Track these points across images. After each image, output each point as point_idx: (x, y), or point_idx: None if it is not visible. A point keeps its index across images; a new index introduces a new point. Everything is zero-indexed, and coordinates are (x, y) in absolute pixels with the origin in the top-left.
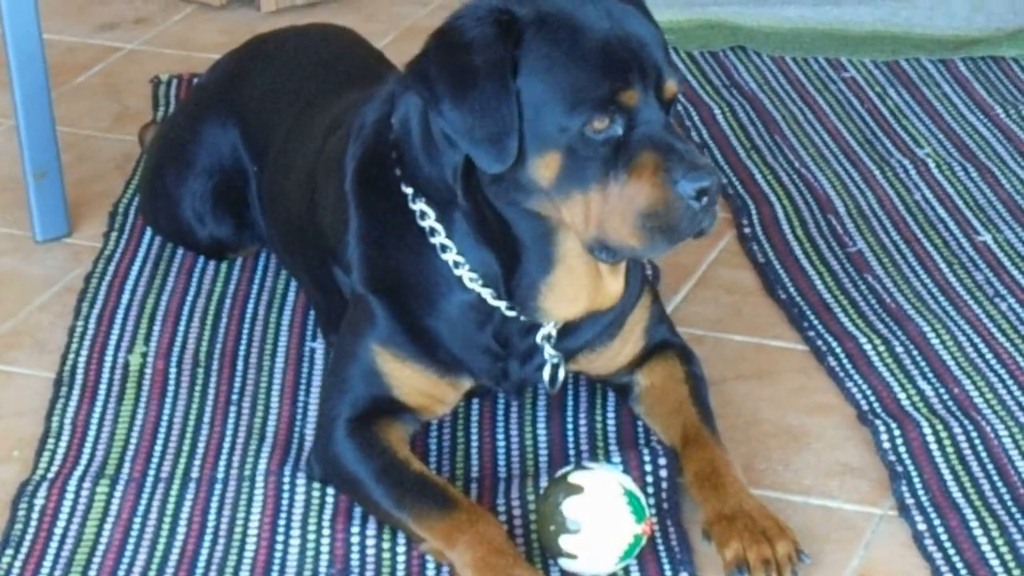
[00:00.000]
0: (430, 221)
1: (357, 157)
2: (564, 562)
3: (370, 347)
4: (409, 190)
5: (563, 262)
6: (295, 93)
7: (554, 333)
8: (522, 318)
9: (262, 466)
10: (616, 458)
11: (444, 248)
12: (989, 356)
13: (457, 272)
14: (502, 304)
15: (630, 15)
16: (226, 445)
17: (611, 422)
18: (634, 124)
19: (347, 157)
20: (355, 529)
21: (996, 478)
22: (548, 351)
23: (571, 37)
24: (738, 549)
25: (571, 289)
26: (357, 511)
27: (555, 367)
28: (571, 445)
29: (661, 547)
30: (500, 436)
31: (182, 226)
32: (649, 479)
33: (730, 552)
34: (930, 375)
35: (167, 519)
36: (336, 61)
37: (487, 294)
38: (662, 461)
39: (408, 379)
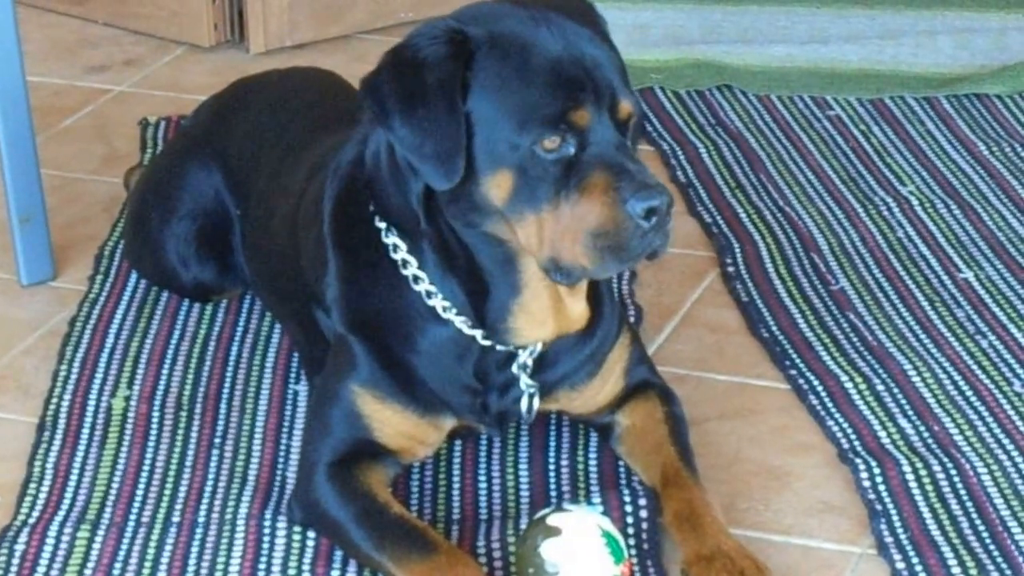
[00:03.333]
0: (402, 253)
1: (333, 198)
2: None
3: (351, 388)
4: (382, 224)
5: (528, 286)
6: (277, 136)
7: (530, 363)
8: (497, 346)
9: (243, 510)
10: (597, 498)
11: (416, 279)
12: (970, 394)
13: (431, 302)
14: (477, 333)
15: (585, 38)
16: (208, 489)
17: (592, 463)
18: (586, 144)
19: (324, 199)
20: (335, 574)
21: (975, 516)
22: (524, 380)
23: (523, 56)
24: None
25: (539, 312)
26: (338, 555)
27: (531, 397)
28: (552, 486)
29: None
30: (482, 477)
31: (166, 270)
32: (629, 520)
33: None
34: (911, 413)
35: (148, 564)
36: (318, 104)
37: (460, 322)
38: (642, 502)
39: (389, 420)
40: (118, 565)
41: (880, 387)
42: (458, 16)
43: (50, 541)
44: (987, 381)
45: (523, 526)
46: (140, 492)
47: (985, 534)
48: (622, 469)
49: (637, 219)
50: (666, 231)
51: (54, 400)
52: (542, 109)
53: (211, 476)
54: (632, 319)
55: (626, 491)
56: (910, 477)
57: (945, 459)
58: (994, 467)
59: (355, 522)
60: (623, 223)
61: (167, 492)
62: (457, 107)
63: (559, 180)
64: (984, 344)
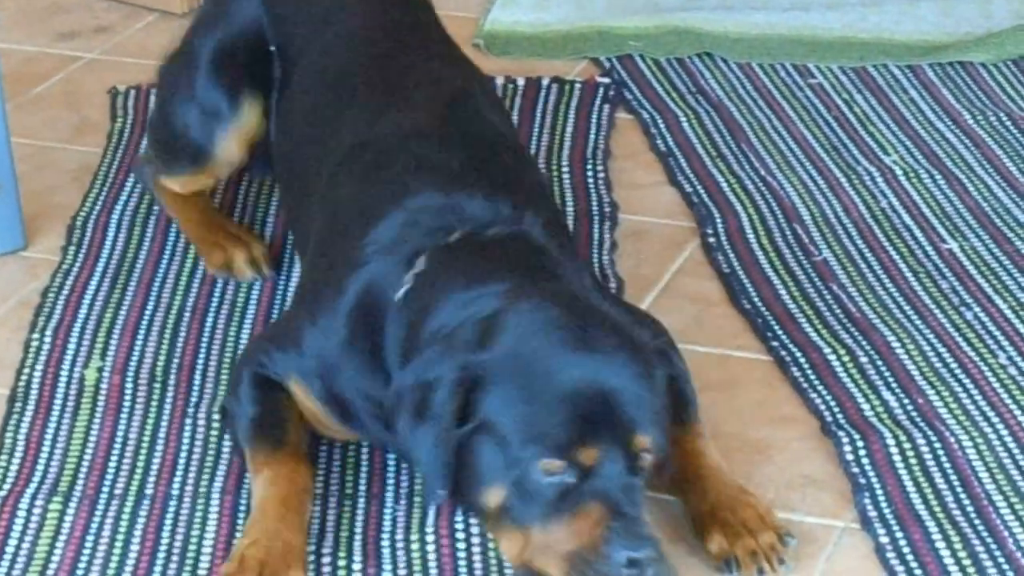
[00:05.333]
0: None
1: (357, 291)
2: None
3: (291, 370)
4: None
5: None
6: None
7: None
8: None
9: (218, 483)
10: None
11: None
12: (954, 366)
13: None
14: None
15: (613, 369)
16: (181, 462)
17: None
18: (590, 476)
19: (352, 269)
20: (312, 547)
21: (959, 490)
22: None
23: (543, 379)
24: (721, 543)
25: None
26: (314, 528)
27: None
28: None
29: None
30: None
31: (196, 87)
32: None
33: (714, 546)
34: (894, 386)
35: (120, 536)
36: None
37: None
38: None
39: (312, 412)
40: (90, 538)
41: (863, 359)
42: (491, 323)
43: (21, 513)
44: (972, 353)
45: None
46: (113, 464)
47: (970, 508)
48: None
49: (616, 565)
50: None
51: (26, 371)
52: (550, 436)
53: (185, 448)
54: (613, 291)
55: None
56: (894, 450)
57: (929, 432)
58: (979, 440)
59: (249, 417)
60: (602, 564)
61: (140, 464)
62: (443, 435)
63: (552, 504)
64: (969, 316)
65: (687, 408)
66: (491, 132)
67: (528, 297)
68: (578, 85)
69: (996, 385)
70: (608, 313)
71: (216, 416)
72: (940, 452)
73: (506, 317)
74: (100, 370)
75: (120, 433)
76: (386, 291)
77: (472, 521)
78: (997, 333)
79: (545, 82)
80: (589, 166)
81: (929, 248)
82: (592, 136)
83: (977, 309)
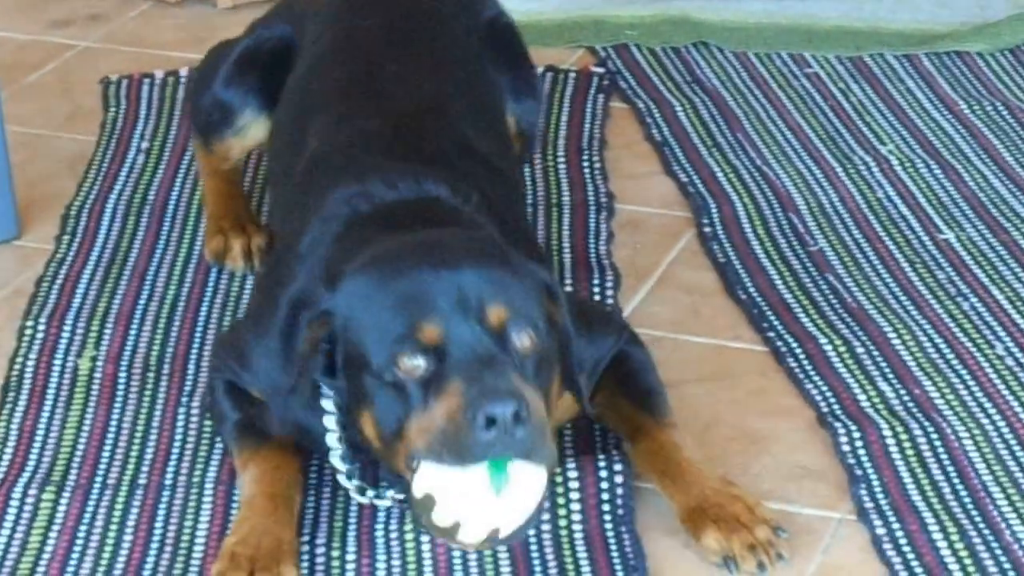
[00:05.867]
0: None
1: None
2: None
3: (251, 382)
4: None
5: None
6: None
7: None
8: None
9: (211, 473)
10: (571, 464)
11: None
12: (951, 357)
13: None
14: (351, 486)
15: (462, 262)
16: (175, 451)
17: (567, 428)
18: (445, 358)
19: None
20: (305, 538)
21: (956, 481)
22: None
23: (384, 291)
24: (718, 539)
25: None
26: (307, 520)
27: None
28: None
29: (615, 553)
30: None
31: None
32: (604, 485)
33: (710, 541)
34: (891, 376)
35: (114, 526)
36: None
37: (341, 476)
38: (617, 467)
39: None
40: (83, 527)
41: (860, 350)
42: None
43: (14, 503)
44: (968, 344)
45: None
46: (106, 454)
47: (967, 499)
48: (597, 435)
49: (478, 429)
50: (520, 440)
51: (19, 360)
52: (392, 331)
53: (178, 438)
54: (610, 281)
55: (601, 457)
56: (890, 441)
57: (926, 423)
58: (975, 431)
59: (232, 421)
60: (463, 429)
61: (134, 454)
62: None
63: (419, 399)
64: (965, 306)
65: (654, 399)
66: (453, 141)
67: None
68: (572, 74)
69: (993, 376)
70: (490, 241)
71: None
72: (937, 443)
73: (364, 251)
74: (94, 359)
75: (113, 422)
76: (310, 303)
77: None
78: (994, 323)
79: (539, 71)
80: (584, 156)
81: (925, 238)
82: (587, 126)
83: (974, 299)
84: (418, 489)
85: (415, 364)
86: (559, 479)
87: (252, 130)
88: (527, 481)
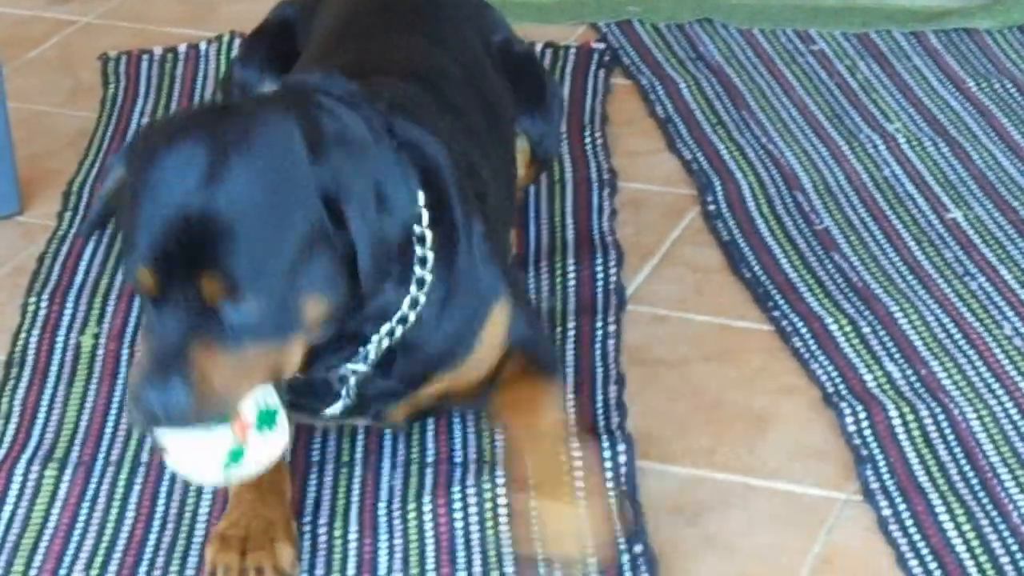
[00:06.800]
0: None
1: None
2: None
3: None
4: None
5: None
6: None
7: (352, 379)
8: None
9: None
10: (575, 443)
11: None
12: (958, 337)
13: None
14: None
15: (212, 182)
16: None
17: (569, 405)
18: (161, 303)
19: None
20: (307, 518)
21: (963, 462)
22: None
23: (141, 187)
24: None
25: None
26: (309, 500)
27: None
28: None
29: (617, 524)
30: (456, 421)
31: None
32: (608, 464)
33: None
34: (897, 356)
35: (116, 504)
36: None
37: None
38: (621, 447)
39: None
40: (86, 504)
41: (866, 329)
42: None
43: (17, 480)
44: (976, 324)
45: (499, 472)
46: (109, 431)
47: (974, 480)
48: (600, 412)
49: (141, 409)
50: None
51: (22, 336)
52: (126, 255)
53: None
54: (613, 260)
55: (604, 436)
56: (897, 422)
57: (933, 403)
58: (983, 412)
59: None
60: (135, 404)
61: (136, 432)
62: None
63: (144, 325)
64: (973, 286)
65: (540, 383)
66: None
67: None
68: (572, 50)
69: (1001, 356)
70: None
71: None
72: (944, 424)
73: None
74: (96, 336)
75: (116, 400)
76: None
77: (470, 491)
78: (1002, 303)
79: (538, 48)
80: (587, 133)
81: (932, 217)
82: (589, 102)
83: (982, 279)
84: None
85: (146, 300)
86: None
87: None
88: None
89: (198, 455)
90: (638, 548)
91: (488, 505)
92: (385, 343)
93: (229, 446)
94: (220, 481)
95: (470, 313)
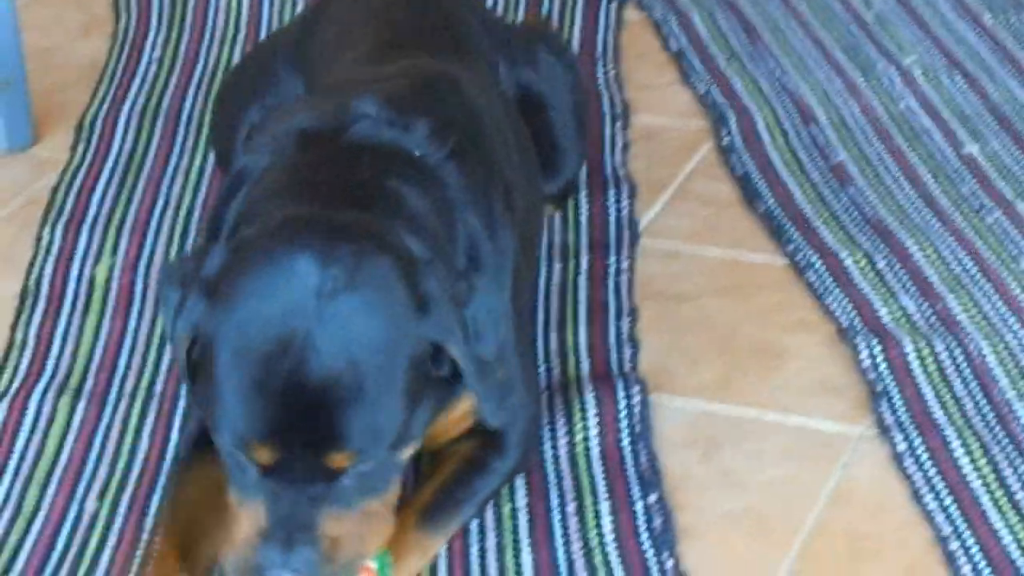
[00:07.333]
0: None
1: None
2: None
3: None
4: None
5: None
6: (358, 42)
7: None
8: None
9: None
10: (589, 388)
11: None
12: (974, 271)
13: None
14: None
15: (330, 343)
16: None
17: (584, 354)
18: (270, 471)
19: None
20: None
21: (979, 397)
22: None
23: (236, 342)
24: None
25: None
26: None
27: None
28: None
29: (631, 469)
30: None
31: (232, 148)
32: (622, 404)
33: None
34: (913, 291)
35: (130, 434)
36: (400, 19)
37: None
38: (635, 388)
39: None
40: (99, 434)
41: (881, 263)
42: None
43: (31, 410)
44: (992, 259)
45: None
46: (123, 362)
47: (990, 415)
48: (613, 358)
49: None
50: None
51: (36, 268)
52: (228, 421)
53: None
54: (625, 193)
55: (619, 379)
56: (912, 356)
57: (949, 338)
58: (1000, 346)
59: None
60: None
61: (150, 362)
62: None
63: (240, 486)
64: (989, 220)
65: (446, 509)
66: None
67: (286, 223)
68: None
69: (1017, 291)
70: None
71: None
72: (960, 358)
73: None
74: (110, 268)
75: (130, 331)
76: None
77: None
78: (1018, 238)
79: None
80: (599, 66)
81: (949, 151)
82: (601, 35)
83: (998, 213)
84: None
85: (247, 462)
86: (575, 397)
87: None
88: None
89: None
90: (652, 497)
91: None
92: None
93: None
94: None
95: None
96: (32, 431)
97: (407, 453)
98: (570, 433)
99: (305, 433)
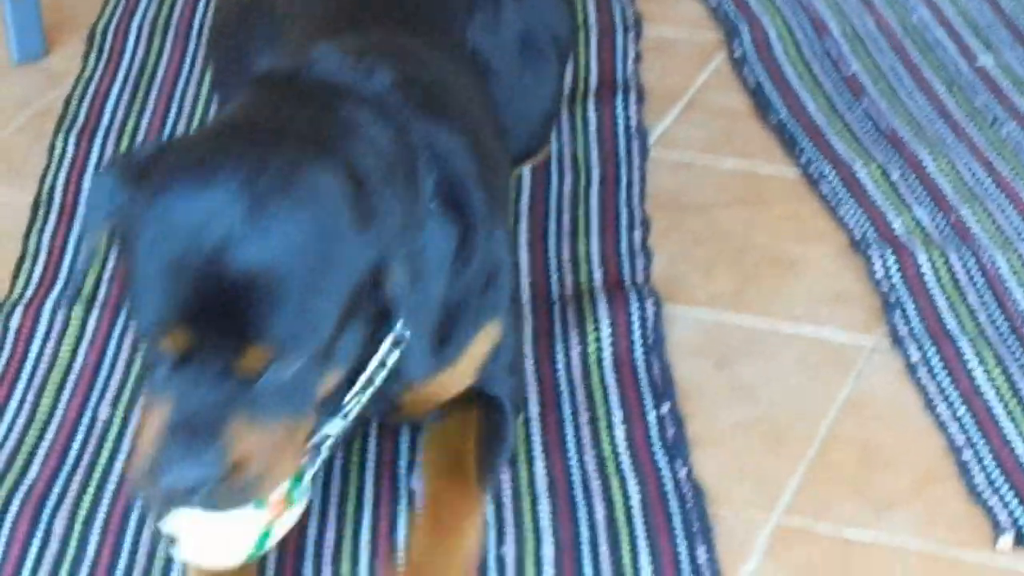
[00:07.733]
0: None
1: None
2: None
3: None
4: None
5: None
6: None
7: None
8: None
9: None
10: (602, 297)
11: None
12: (988, 183)
13: None
14: None
15: (251, 229)
16: None
17: (596, 264)
18: (183, 363)
19: None
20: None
21: (993, 308)
22: None
23: (153, 229)
24: None
25: None
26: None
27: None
28: (554, 281)
29: (644, 379)
30: None
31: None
32: (635, 314)
33: None
34: (927, 202)
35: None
36: None
37: None
38: (648, 299)
39: None
40: (112, 344)
41: (895, 175)
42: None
43: (44, 318)
44: (1006, 170)
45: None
46: None
47: (1003, 325)
48: (626, 269)
49: (165, 487)
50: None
51: (49, 177)
52: (140, 311)
53: None
54: (634, 100)
55: (632, 289)
56: (926, 267)
57: (963, 249)
58: (1013, 258)
59: None
60: (155, 475)
61: None
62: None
63: (152, 382)
64: (1003, 132)
65: (483, 470)
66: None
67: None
68: None
69: None
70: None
71: None
72: (973, 269)
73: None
74: None
75: None
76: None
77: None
78: None
79: None
80: None
81: (962, 63)
82: None
83: (1012, 125)
84: None
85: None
86: (588, 307)
87: None
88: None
89: (226, 541)
90: (665, 407)
91: None
92: (370, 391)
93: (262, 528)
94: (236, 565)
95: (469, 327)
96: (46, 339)
97: (328, 378)
98: (583, 343)
99: (220, 319)
